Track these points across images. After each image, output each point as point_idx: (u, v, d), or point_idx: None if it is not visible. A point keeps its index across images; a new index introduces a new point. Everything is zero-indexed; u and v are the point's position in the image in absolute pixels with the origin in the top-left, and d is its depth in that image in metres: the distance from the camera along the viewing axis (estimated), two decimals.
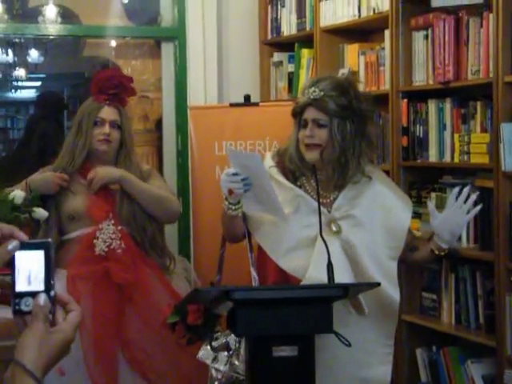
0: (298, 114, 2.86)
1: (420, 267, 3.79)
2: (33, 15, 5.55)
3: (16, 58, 9.17)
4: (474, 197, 2.88)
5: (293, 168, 2.87)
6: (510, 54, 3.25)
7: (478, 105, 3.48)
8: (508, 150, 3.21)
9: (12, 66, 9.37)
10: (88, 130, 3.49)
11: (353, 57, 4.30)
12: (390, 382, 2.91)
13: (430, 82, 3.69)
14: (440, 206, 3.73)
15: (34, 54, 9.19)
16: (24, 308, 1.30)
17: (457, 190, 2.86)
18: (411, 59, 3.81)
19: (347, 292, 2.60)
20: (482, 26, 3.40)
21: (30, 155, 5.39)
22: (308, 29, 4.54)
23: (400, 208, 2.90)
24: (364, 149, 2.87)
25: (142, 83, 6.14)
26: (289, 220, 2.81)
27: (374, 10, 4.04)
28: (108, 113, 3.52)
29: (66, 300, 1.34)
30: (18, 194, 3.03)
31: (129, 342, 3.34)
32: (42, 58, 9.28)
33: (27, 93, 11.28)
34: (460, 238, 3.60)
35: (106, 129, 3.50)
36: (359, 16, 4.15)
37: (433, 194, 3.75)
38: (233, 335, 2.81)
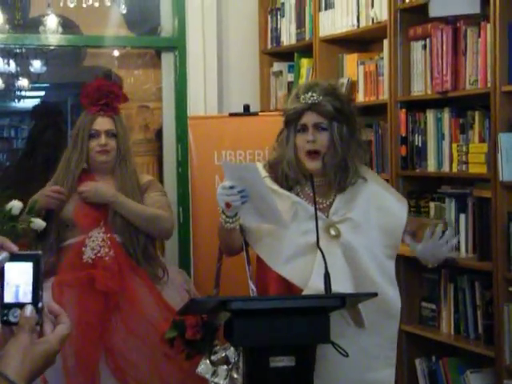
0: (293, 120, 2.83)
1: (419, 277, 3.78)
2: (34, 25, 5.55)
3: (18, 68, 9.18)
4: (449, 232, 2.88)
5: (292, 176, 2.84)
6: (507, 63, 3.25)
7: (476, 114, 3.48)
8: (506, 160, 3.20)
9: (14, 76, 9.39)
10: (84, 143, 3.52)
11: (352, 66, 4.31)
12: None
13: (429, 91, 3.69)
14: (439, 215, 3.74)
15: (36, 64, 9.19)
16: (12, 319, 1.31)
17: (429, 231, 2.85)
18: (410, 69, 3.81)
19: (344, 302, 2.59)
20: (479, 35, 3.40)
21: (34, 165, 5.40)
22: (307, 38, 4.54)
23: (396, 207, 2.89)
24: (358, 151, 2.87)
25: (144, 93, 6.14)
26: (289, 227, 2.79)
27: (372, 20, 4.04)
28: (102, 123, 3.53)
29: (58, 312, 1.35)
30: (15, 204, 3.04)
31: (113, 350, 3.33)
32: (44, 68, 9.28)
33: (31, 102, 11.27)
34: (458, 248, 3.60)
35: (102, 139, 3.51)
36: (358, 26, 4.16)
37: (431, 204, 3.75)
38: (232, 348, 2.80)
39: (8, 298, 1.32)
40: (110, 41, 5.09)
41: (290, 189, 2.87)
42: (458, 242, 3.59)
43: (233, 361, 2.80)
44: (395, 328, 2.87)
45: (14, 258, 1.33)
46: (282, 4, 4.81)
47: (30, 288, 1.32)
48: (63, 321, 1.33)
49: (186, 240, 4.76)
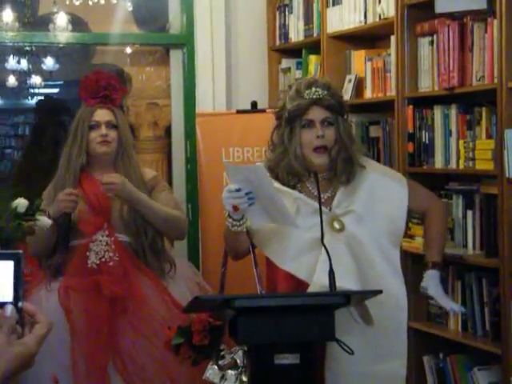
0: (297, 116, 2.82)
1: None
2: (43, 23, 5.57)
3: (30, 66, 9.21)
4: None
5: (298, 170, 2.83)
6: None
7: (483, 111, 3.45)
8: None
9: (27, 74, 9.41)
10: (84, 135, 3.46)
11: (360, 63, 4.29)
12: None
13: (436, 88, 3.67)
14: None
15: (48, 62, 9.22)
16: None
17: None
18: (417, 65, 3.79)
19: (349, 299, 2.58)
20: (486, 31, 3.38)
21: (39, 162, 5.40)
22: (315, 35, 4.53)
23: (396, 191, 2.87)
24: (358, 143, 2.87)
25: (153, 90, 6.15)
26: (298, 226, 2.77)
27: (379, 17, 4.02)
28: (102, 115, 3.49)
29: (32, 311, 1.32)
30: (21, 202, 3.03)
31: (121, 353, 3.30)
32: (56, 66, 9.31)
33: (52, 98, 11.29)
34: (466, 245, 3.58)
35: (103, 130, 3.46)
36: (365, 22, 4.14)
37: None
38: (240, 352, 2.78)
39: None
40: (119, 38, 5.09)
41: (291, 188, 2.85)
42: (466, 239, 3.58)
43: (241, 364, 2.78)
44: (403, 319, 2.85)
45: None
46: (290, 0, 4.80)
47: (10, 287, 1.30)
48: (40, 319, 1.30)
49: (194, 236, 4.77)
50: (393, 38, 3.90)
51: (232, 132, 4.42)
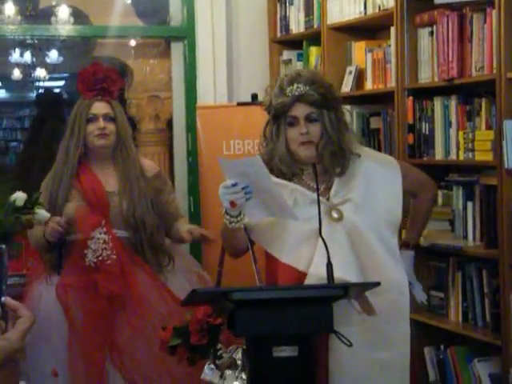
0: (281, 113, 2.81)
1: (427, 266, 3.76)
2: (45, 16, 5.57)
3: (34, 59, 9.21)
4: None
5: (285, 170, 2.83)
6: None
7: (483, 101, 3.44)
8: (511, 147, 3.16)
9: (31, 67, 9.41)
10: (81, 128, 3.46)
11: (360, 54, 4.28)
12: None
13: (435, 79, 3.66)
14: (447, 203, 3.71)
15: (52, 55, 9.22)
16: None
17: None
18: (417, 56, 3.78)
19: (347, 291, 2.58)
20: (485, 22, 3.37)
21: (37, 156, 5.40)
22: (316, 26, 4.52)
23: (390, 177, 2.87)
24: (349, 133, 2.86)
25: (155, 83, 6.15)
26: (298, 218, 2.77)
27: (379, 7, 4.01)
28: (99, 107, 3.48)
29: (15, 306, 1.32)
30: (19, 195, 3.04)
31: (120, 350, 3.30)
32: (60, 59, 9.31)
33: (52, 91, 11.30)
34: (466, 236, 3.57)
35: (101, 123, 3.46)
36: (365, 13, 4.13)
37: (439, 192, 3.71)
38: (239, 351, 2.78)
39: None
40: (119, 30, 5.10)
41: (285, 179, 2.85)
42: (466, 230, 3.58)
43: (240, 362, 2.78)
44: (406, 306, 2.85)
45: None
46: None
47: None
48: (22, 314, 1.30)
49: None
50: (392, 29, 3.89)
51: (233, 124, 4.42)
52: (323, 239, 2.64)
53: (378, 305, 2.67)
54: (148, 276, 3.43)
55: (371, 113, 4.26)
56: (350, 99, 4.21)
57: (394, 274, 2.79)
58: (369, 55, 4.20)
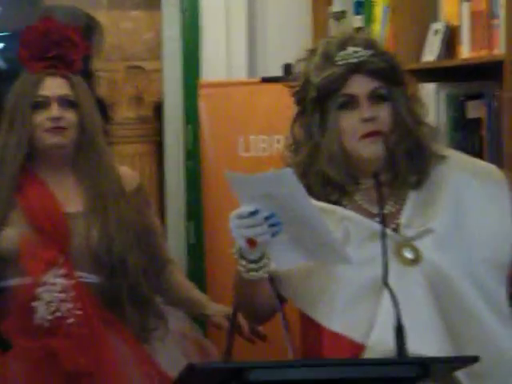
0: (329, 93, 2.80)
1: None
2: None
3: None
4: None
5: (337, 177, 2.81)
6: None
7: None
8: None
9: None
10: (25, 118, 3.47)
11: (451, 5, 4.29)
12: None
13: None
14: None
15: None
16: None
17: None
18: None
19: (428, 370, 2.57)
20: None
21: None
22: None
23: (494, 197, 2.85)
24: (429, 124, 2.87)
25: (135, 47, 6.19)
26: (351, 261, 2.76)
27: None
28: (52, 86, 3.49)
29: None
30: None
31: None
32: None
33: None
34: None
35: (54, 110, 3.46)
36: None
37: None
38: None
39: None
40: None
41: (330, 202, 2.83)
42: None
43: None
44: None
45: None
46: None
47: None
48: None
49: (198, 268, 4.83)
50: None
51: (255, 111, 4.44)
52: (390, 289, 2.63)
53: None
54: (127, 344, 3.46)
55: (468, 94, 4.25)
56: (436, 73, 4.21)
57: (504, 345, 2.78)
58: (465, 6, 4.20)
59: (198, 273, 4.80)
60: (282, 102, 4.39)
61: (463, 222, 2.80)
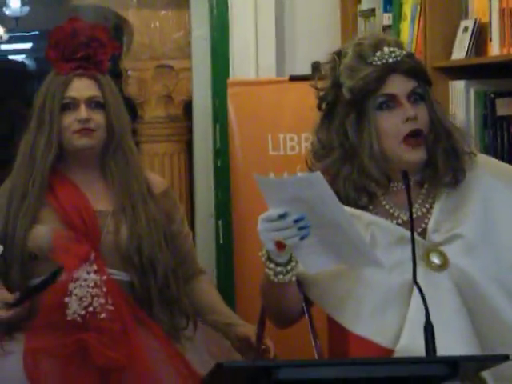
0: (369, 93, 2.80)
1: None
2: None
3: None
4: None
5: (377, 176, 2.80)
6: None
7: None
8: None
9: None
10: (53, 119, 3.48)
11: (481, 1, 4.26)
12: None
13: None
14: None
15: (13, 3, 9.33)
16: None
17: None
18: None
19: (457, 369, 2.56)
20: None
21: None
22: None
23: None
24: (458, 125, 2.89)
25: (169, 47, 6.19)
26: (382, 265, 2.75)
27: None
28: (81, 88, 3.51)
29: None
30: None
31: None
32: (26, 9, 9.42)
33: (11, 59, 11.44)
34: None
35: (82, 112, 3.47)
36: None
37: None
38: None
39: None
40: None
41: (358, 207, 2.82)
42: None
43: None
44: None
45: None
46: None
47: None
48: None
49: (227, 268, 4.83)
50: None
51: (284, 110, 4.44)
52: (419, 287, 2.62)
53: None
54: (157, 341, 3.47)
55: (498, 91, 4.23)
56: (466, 70, 4.19)
57: None
58: (494, 3, 4.17)
59: (227, 273, 4.83)
60: (310, 100, 4.38)
61: (492, 227, 2.80)
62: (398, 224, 2.80)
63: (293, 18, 5.02)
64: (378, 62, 2.77)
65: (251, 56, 4.93)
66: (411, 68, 2.78)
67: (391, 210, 2.81)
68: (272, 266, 2.70)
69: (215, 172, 4.99)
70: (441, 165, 2.81)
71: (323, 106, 2.90)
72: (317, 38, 4.95)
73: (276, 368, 2.48)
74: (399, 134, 2.78)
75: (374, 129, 2.80)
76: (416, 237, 2.74)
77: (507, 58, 4.11)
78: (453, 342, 2.70)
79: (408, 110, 2.77)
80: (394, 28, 4.66)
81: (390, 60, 2.77)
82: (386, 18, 4.79)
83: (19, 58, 11.13)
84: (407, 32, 4.57)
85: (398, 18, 4.66)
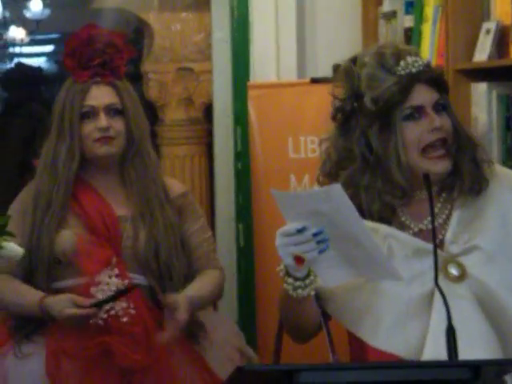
0: (395, 104, 2.77)
1: None
2: None
3: (7, 13, 9.33)
4: None
5: (404, 184, 2.78)
6: None
7: None
8: None
9: (2, 25, 9.53)
10: (74, 128, 3.50)
11: (503, 3, 4.25)
12: None
13: None
14: None
15: (34, 7, 9.34)
16: None
17: None
18: None
19: (479, 373, 2.55)
20: None
21: (6, 160, 5.47)
22: None
23: None
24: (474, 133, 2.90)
25: (185, 49, 6.19)
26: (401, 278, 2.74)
27: None
28: (98, 95, 3.52)
29: None
30: None
31: None
32: (46, 12, 9.43)
33: (30, 63, 11.45)
34: None
35: (102, 121, 3.49)
36: None
37: None
38: None
39: None
40: None
41: (378, 220, 2.81)
42: None
43: None
44: None
45: None
46: None
47: None
48: None
49: (248, 270, 4.83)
50: None
51: (305, 112, 4.43)
52: (441, 291, 2.61)
53: None
54: (178, 344, 3.48)
55: None
56: (488, 73, 4.17)
57: None
58: None
59: (247, 276, 4.82)
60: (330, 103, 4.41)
61: (509, 238, 2.79)
62: (413, 234, 2.80)
63: (314, 20, 5.02)
64: (402, 72, 2.76)
65: (272, 58, 4.93)
66: (433, 77, 2.79)
67: (407, 222, 2.81)
68: (290, 280, 2.68)
69: (236, 175, 4.98)
70: (466, 173, 2.80)
71: (338, 116, 2.88)
72: (338, 39, 4.95)
73: (297, 371, 2.49)
74: (420, 144, 2.78)
75: (400, 139, 2.78)
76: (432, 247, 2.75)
77: None
78: (475, 348, 2.69)
79: (434, 120, 2.77)
80: (415, 30, 4.65)
81: (414, 70, 2.76)
82: (408, 20, 4.78)
83: (40, 60, 11.15)
84: (429, 34, 4.56)
85: (420, 20, 4.65)
